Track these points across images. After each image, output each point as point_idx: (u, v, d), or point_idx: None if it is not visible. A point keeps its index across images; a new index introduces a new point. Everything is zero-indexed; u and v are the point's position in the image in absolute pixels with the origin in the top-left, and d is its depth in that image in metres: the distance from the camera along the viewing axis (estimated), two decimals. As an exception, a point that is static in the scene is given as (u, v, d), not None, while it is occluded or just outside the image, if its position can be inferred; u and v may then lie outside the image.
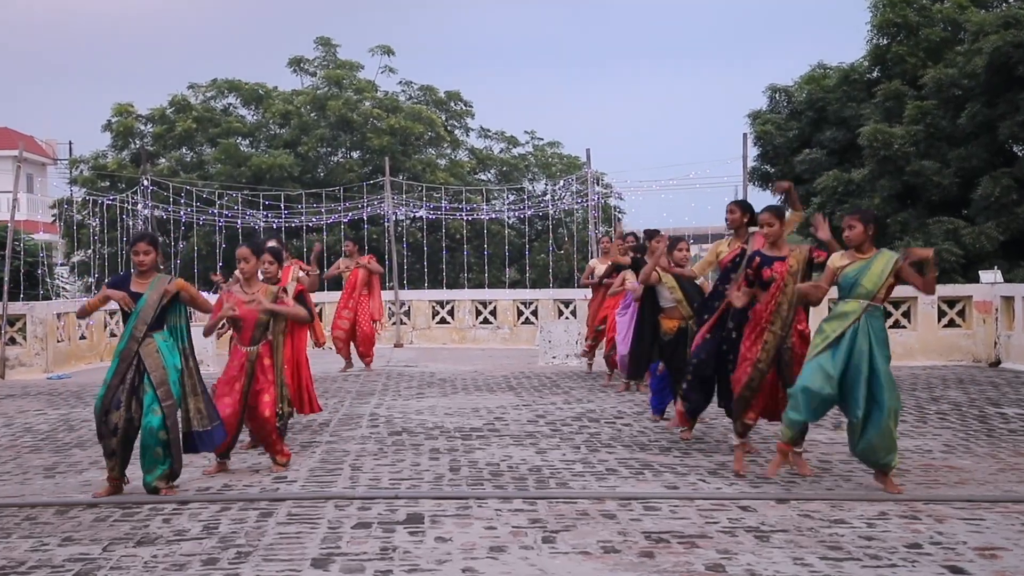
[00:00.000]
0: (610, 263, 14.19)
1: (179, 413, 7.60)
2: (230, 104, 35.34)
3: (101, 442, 7.55)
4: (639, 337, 10.51)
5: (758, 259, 8.08)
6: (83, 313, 8.01)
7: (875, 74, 25.59)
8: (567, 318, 20.36)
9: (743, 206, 9.26)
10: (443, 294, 23.41)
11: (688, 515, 6.75)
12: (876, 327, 7.35)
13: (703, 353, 8.70)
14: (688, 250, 10.20)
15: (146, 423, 7.44)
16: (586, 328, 15.36)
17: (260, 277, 8.68)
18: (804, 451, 8.16)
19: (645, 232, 12.06)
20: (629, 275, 12.60)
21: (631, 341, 10.90)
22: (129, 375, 7.48)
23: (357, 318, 16.01)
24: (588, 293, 15.80)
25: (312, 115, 33.65)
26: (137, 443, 7.55)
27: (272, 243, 9.79)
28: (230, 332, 8.75)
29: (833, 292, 7.71)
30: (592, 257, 18.33)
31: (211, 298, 9.37)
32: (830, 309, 8.03)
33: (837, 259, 7.54)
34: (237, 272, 8.54)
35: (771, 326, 7.88)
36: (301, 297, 10.12)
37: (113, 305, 7.98)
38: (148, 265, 7.62)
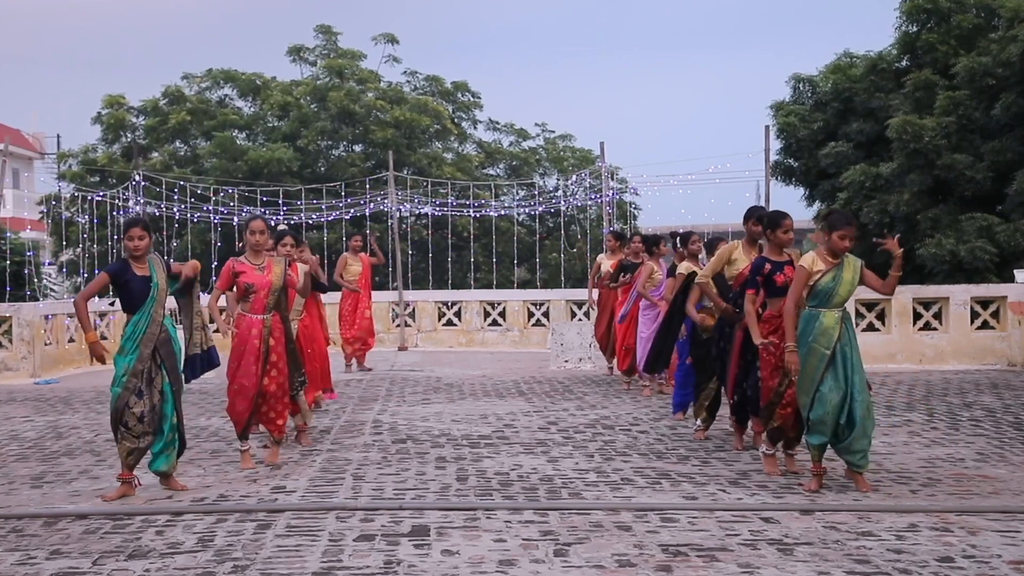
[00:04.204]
0: (618, 261, 14.09)
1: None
2: (226, 95, 34.94)
3: (125, 440, 7.57)
4: (665, 331, 10.59)
5: (769, 266, 8.16)
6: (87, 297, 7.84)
7: (904, 63, 25.14)
8: (580, 320, 20.11)
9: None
10: (450, 295, 23.20)
11: (708, 527, 6.62)
12: (851, 332, 7.59)
13: (742, 384, 8.75)
14: (700, 243, 10.55)
15: (164, 411, 7.67)
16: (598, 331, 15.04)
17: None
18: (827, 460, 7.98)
19: (675, 235, 11.83)
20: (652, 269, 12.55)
21: (655, 334, 10.88)
22: (149, 362, 7.61)
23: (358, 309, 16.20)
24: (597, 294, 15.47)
25: (312, 107, 33.27)
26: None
27: (283, 227, 10.24)
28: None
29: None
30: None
31: (204, 298, 9.46)
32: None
33: (811, 263, 7.55)
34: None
35: None
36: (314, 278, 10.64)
37: (99, 305, 8.12)
38: (144, 250, 7.65)
